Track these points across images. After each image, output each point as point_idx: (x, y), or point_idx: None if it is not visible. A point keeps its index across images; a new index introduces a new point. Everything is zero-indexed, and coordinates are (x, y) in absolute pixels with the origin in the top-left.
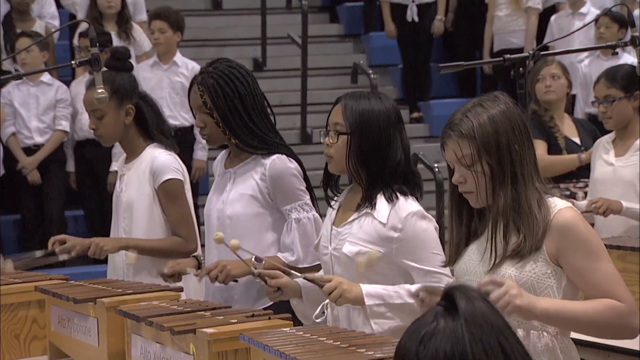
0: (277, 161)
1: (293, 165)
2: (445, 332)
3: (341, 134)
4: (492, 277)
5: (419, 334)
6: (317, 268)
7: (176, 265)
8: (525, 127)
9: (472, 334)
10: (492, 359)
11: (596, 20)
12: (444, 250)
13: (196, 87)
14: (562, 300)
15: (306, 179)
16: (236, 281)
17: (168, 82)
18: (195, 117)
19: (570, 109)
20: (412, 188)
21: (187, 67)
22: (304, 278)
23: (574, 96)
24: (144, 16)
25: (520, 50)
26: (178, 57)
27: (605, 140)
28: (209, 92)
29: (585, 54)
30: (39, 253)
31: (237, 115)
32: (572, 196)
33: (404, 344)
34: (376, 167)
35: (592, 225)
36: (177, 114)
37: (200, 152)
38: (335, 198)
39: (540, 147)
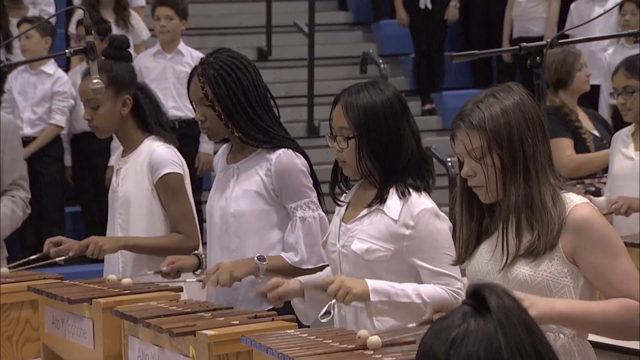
0: (283, 156)
1: (300, 160)
2: (478, 333)
3: (350, 138)
4: None
5: (448, 337)
6: (322, 269)
7: (174, 263)
8: (539, 120)
9: (506, 335)
10: None
11: (621, 6)
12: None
13: (196, 79)
14: (578, 301)
15: (313, 174)
16: (239, 281)
17: (172, 71)
18: (195, 110)
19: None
20: (425, 179)
21: (191, 56)
22: (306, 289)
23: (597, 87)
24: (142, 1)
25: (540, 39)
26: (182, 46)
27: (624, 133)
28: (210, 84)
29: (608, 42)
30: (34, 257)
31: (239, 108)
32: (596, 192)
33: (430, 346)
34: (390, 161)
35: (611, 222)
36: (182, 105)
37: (207, 145)
38: (345, 194)
39: (568, 145)
